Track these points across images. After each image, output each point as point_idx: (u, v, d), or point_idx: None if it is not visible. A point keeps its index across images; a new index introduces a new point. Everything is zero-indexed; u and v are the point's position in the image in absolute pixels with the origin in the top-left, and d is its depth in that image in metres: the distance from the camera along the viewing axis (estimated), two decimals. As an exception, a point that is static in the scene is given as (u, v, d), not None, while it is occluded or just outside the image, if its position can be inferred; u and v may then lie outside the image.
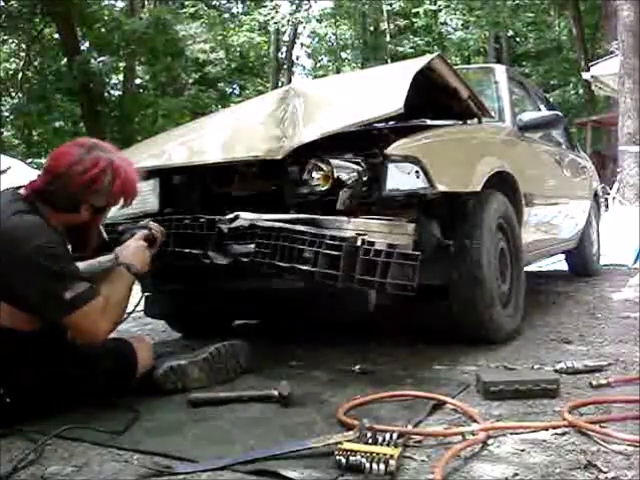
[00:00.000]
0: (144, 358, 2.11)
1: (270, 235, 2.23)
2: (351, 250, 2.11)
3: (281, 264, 2.18)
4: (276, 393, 1.93)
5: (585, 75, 13.03)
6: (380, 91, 2.63)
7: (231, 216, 2.37)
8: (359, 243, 2.11)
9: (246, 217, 2.37)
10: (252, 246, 2.26)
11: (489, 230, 2.63)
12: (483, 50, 22.87)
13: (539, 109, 4.26)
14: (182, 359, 2.18)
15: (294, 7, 21.03)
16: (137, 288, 3.02)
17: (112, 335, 2.07)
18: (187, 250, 2.35)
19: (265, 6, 20.04)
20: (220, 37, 19.56)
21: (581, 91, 18.95)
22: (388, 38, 23.74)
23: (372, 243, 2.11)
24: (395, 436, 1.53)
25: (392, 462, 1.41)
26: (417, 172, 2.33)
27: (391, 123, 3.12)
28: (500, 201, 2.81)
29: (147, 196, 2.73)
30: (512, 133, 3.41)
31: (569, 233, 4.37)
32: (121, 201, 2.03)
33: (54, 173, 1.92)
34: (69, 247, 1.97)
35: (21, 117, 16.62)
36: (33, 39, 16.88)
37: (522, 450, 1.53)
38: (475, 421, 1.71)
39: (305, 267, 2.14)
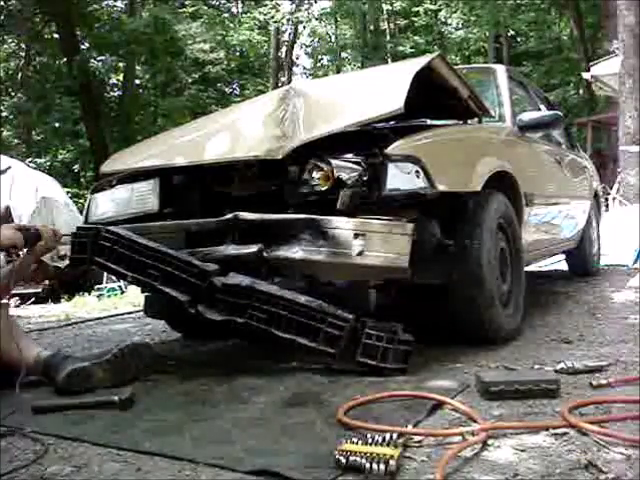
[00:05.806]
0: None
1: (269, 301, 2.24)
2: (353, 331, 2.20)
3: (278, 333, 2.23)
4: (116, 399, 1.96)
5: (585, 75, 13.01)
6: (380, 91, 2.63)
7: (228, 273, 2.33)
8: (360, 326, 2.21)
9: (246, 217, 2.37)
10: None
11: (489, 230, 2.63)
12: (483, 50, 22.85)
13: (539, 109, 4.25)
14: (86, 361, 2.20)
15: (294, 6, 21.01)
16: (137, 289, 3.03)
17: None
18: (174, 294, 2.31)
19: (265, 5, 20.03)
20: (220, 37, 19.53)
21: (581, 91, 18.94)
22: (388, 38, 23.74)
23: (374, 327, 2.20)
24: (395, 436, 1.53)
25: (392, 462, 1.41)
26: (417, 172, 2.33)
27: (391, 123, 3.12)
28: (500, 201, 2.81)
29: (147, 196, 2.74)
30: (512, 133, 3.41)
31: (569, 233, 4.37)
32: None
33: None
34: None
35: (21, 116, 16.61)
36: (32, 38, 16.87)
37: (522, 450, 1.53)
38: (475, 421, 1.71)
39: (304, 341, 2.21)
